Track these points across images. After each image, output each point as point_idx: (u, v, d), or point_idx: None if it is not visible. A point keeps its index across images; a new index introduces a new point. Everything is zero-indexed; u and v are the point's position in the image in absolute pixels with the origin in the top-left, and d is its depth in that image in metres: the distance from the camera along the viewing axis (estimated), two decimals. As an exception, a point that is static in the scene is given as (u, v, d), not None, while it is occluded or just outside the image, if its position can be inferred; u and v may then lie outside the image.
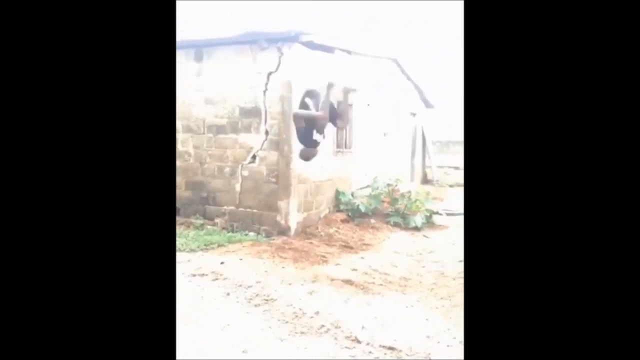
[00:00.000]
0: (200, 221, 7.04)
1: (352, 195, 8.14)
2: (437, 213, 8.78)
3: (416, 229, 7.78)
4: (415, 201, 8.31)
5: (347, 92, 7.97)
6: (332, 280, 4.72)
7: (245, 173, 6.90)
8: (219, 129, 7.08)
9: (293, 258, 5.51)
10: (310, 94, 6.54)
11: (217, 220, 7.08)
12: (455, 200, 11.10)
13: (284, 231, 6.64)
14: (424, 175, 14.61)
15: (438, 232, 7.83)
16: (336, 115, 6.45)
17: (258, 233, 6.73)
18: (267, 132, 6.75)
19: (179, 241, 6.11)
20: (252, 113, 6.83)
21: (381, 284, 4.76)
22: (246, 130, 6.89)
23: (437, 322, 3.76)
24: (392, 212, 8.16)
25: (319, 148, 6.36)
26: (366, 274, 5.09)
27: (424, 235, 7.59)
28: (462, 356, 3.12)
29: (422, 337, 3.42)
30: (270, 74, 6.66)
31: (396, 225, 7.86)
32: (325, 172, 7.54)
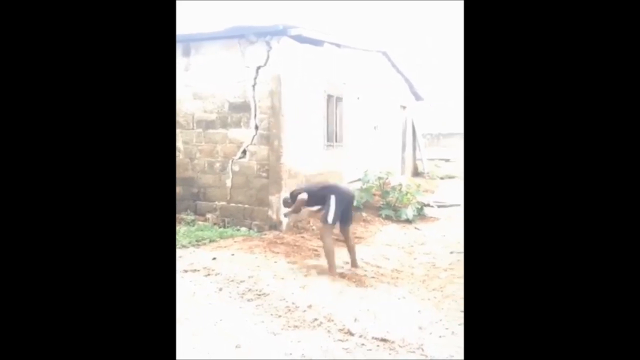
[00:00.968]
0: (191, 217, 7.02)
1: (343, 188, 8.14)
2: (428, 205, 8.83)
3: (407, 221, 7.81)
4: (406, 194, 8.34)
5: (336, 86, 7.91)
6: (324, 273, 4.73)
7: (236, 168, 6.88)
8: (208, 124, 7.04)
9: (285, 252, 5.51)
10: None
11: (208, 215, 7.05)
12: (446, 192, 11.17)
13: (275, 226, 6.63)
14: (415, 168, 14.66)
15: (429, 224, 7.87)
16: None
17: (250, 228, 6.72)
18: (257, 127, 6.72)
19: (170, 237, 6.08)
20: (242, 108, 6.79)
21: (373, 277, 4.78)
22: (236, 125, 6.86)
23: (429, 313, 3.78)
24: (383, 205, 8.18)
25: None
26: (358, 267, 5.10)
27: (415, 228, 7.62)
28: (454, 346, 3.15)
29: (415, 329, 3.44)
30: (259, 68, 6.62)
31: (387, 218, 7.88)
32: (316, 166, 7.53)
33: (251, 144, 6.77)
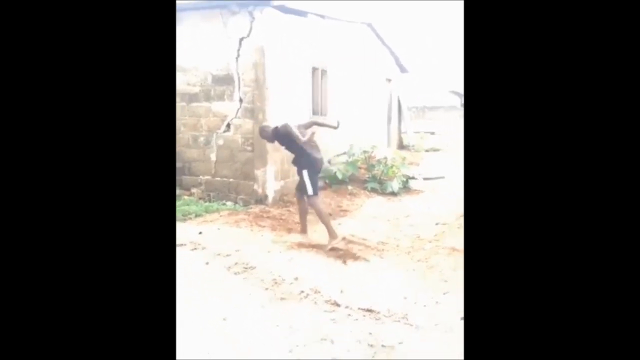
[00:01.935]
0: (176, 192, 6.97)
1: (329, 162, 8.13)
2: (413, 178, 8.88)
3: (393, 194, 7.85)
4: (392, 167, 8.37)
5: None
6: (311, 247, 4.76)
7: (220, 142, 6.81)
8: (191, 97, 6.92)
9: (271, 226, 5.53)
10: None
11: (193, 190, 7.01)
12: (430, 164, 11.23)
13: (261, 200, 6.62)
14: (400, 140, 14.67)
15: (414, 197, 7.93)
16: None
17: (235, 202, 6.70)
18: (241, 100, 6.63)
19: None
20: (225, 80, 6.68)
21: (359, 249, 4.82)
22: (219, 99, 6.76)
23: (414, 283, 3.84)
24: (369, 179, 8.21)
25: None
26: (343, 239, 5.14)
27: (400, 200, 7.68)
28: (438, 315, 3.21)
29: (400, 299, 3.49)
30: (242, 39, 6.50)
31: (373, 191, 7.92)
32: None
33: (235, 117, 6.70)
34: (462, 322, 2.45)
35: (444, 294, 3.61)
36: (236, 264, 4.16)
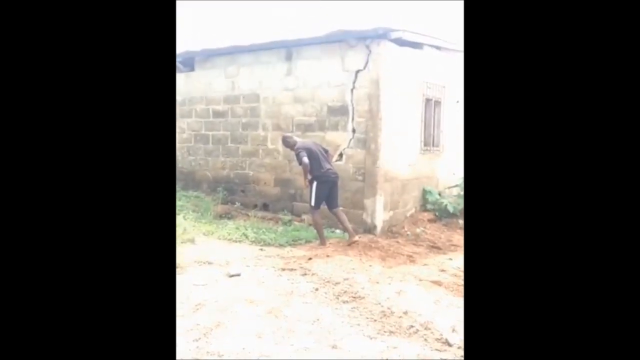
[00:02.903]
0: (288, 217, 7.23)
1: (440, 194, 7.93)
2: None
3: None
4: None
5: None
6: (420, 280, 4.65)
7: (332, 171, 6.97)
8: (307, 127, 7.21)
9: (380, 257, 5.49)
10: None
11: (304, 216, 7.22)
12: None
13: (369, 229, 6.63)
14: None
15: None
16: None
17: (344, 231, 6.77)
18: (354, 130, 6.77)
19: (269, 236, 6.32)
20: (340, 111, 6.88)
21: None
22: (333, 129, 6.96)
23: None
24: (481, 213, 7.86)
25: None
26: (455, 275, 4.95)
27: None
28: None
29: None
30: (358, 72, 6.67)
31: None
32: (412, 171, 7.42)
33: (348, 147, 6.84)
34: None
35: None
36: (345, 292, 4.18)
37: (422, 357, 3.02)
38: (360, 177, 6.74)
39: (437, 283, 4.59)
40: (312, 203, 5.83)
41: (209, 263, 5.04)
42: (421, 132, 7.68)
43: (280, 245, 6.07)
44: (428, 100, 7.78)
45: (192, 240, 5.80)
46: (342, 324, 3.51)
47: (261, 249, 5.85)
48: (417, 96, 7.50)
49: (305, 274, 4.67)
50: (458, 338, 3.30)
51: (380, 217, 6.68)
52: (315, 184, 5.77)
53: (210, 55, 8.40)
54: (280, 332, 3.30)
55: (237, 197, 8.17)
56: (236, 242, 6.22)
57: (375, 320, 3.60)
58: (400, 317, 3.67)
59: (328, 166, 5.90)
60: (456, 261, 5.52)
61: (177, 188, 8.15)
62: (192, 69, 8.67)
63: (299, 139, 6.26)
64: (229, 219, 7.46)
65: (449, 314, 3.76)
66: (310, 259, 5.20)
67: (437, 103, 8.11)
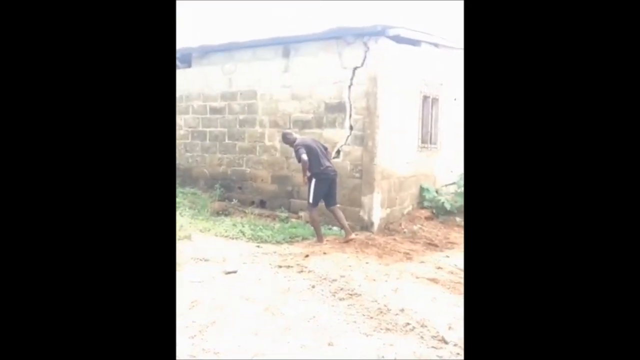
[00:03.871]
0: (285, 214, 7.22)
1: (437, 192, 7.93)
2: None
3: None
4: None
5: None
6: (417, 278, 4.65)
7: (329, 168, 6.96)
8: (304, 124, 7.20)
9: (376, 254, 5.49)
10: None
11: (301, 214, 7.22)
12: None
13: (366, 227, 6.63)
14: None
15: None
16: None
17: (341, 228, 6.77)
18: (351, 128, 6.77)
19: (266, 233, 6.31)
20: (337, 108, 6.87)
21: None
22: (331, 126, 6.95)
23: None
24: (478, 211, 7.86)
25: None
26: (452, 273, 4.95)
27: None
28: None
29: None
30: (355, 69, 6.66)
31: (483, 224, 7.56)
32: (410, 168, 7.42)
33: (345, 144, 6.83)
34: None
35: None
36: (341, 289, 4.17)
37: (418, 354, 3.02)
38: (357, 175, 6.73)
39: (434, 281, 4.59)
40: (310, 200, 5.85)
41: (206, 260, 5.03)
42: (419, 129, 7.67)
43: (277, 243, 6.06)
44: (426, 98, 7.77)
45: (188, 237, 5.79)
46: (339, 321, 3.51)
47: (258, 246, 5.85)
48: (415, 93, 7.49)
49: (302, 271, 4.66)
50: (454, 336, 3.30)
51: (377, 214, 6.68)
52: (314, 181, 5.77)
53: (207, 52, 8.38)
54: (276, 329, 3.30)
55: (234, 194, 8.16)
56: (233, 239, 6.21)
57: (371, 318, 3.60)
58: (397, 314, 3.67)
59: (327, 163, 5.89)
60: (453, 259, 5.52)
61: (174, 185, 8.16)
62: (189, 66, 8.65)
63: (299, 136, 6.25)
64: (225, 215, 7.45)
65: (445, 312, 3.76)
66: (307, 256, 5.20)
67: (435, 100, 8.10)
